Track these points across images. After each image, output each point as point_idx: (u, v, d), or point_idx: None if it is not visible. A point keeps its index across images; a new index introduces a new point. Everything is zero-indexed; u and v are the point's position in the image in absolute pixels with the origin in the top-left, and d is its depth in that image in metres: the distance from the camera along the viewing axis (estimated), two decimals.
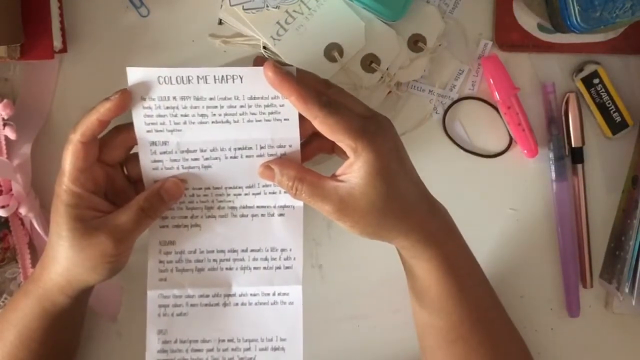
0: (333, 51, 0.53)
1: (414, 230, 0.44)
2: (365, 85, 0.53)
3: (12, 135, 0.50)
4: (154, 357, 0.46)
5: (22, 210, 0.51)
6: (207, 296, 0.46)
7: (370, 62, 0.54)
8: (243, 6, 0.53)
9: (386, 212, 0.43)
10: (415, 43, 0.55)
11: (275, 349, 0.46)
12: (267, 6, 0.53)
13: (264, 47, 0.54)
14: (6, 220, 0.52)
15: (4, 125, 0.50)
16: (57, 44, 0.52)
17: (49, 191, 0.54)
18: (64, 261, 0.44)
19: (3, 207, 0.50)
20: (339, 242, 0.57)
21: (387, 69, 0.54)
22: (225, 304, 0.46)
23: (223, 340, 0.46)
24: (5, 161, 0.51)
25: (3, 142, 0.51)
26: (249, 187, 0.46)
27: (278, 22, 0.53)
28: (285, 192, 0.45)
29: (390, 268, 0.56)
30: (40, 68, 0.53)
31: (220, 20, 0.55)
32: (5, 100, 0.50)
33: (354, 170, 0.42)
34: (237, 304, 0.47)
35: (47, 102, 0.54)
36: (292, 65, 0.44)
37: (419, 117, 0.57)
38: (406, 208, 0.44)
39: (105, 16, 0.55)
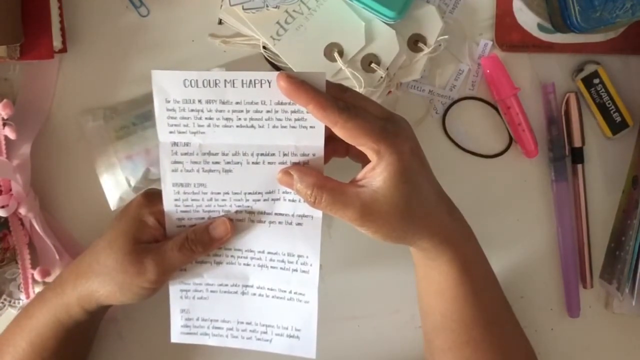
0: (333, 51, 0.53)
1: (437, 232, 0.44)
2: (365, 85, 0.53)
3: (12, 135, 0.50)
4: (177, 332, 0.48)
5: (22, 211, 0.51)
6: (226, 285, 0.48)
7: (370, 62, 0.54)
8: (243, 6, 0.53)
9: (410, 215, 0.42)
10: (415, 43, 0.54)
11: (290, 336, 0.47)
12: (267, 6, 0.53)
13: (264, 47, 0.54)
14: (6, 220, 0.52)
15: (4, 125, 0.50)
16: (57, 44, 0.52)
17: (49, 191, 0.54)
18: (100, 269, 0.45)
19: (3, 207, 0.50)
20: (339, 242, 0.57)
21: (387, 69, 0.54)
22: (243, 293, 0.48)
23: (242, 322, 0.48)
24: (5, 161, 0.51)
25: (3, 142, 0.51)
26: (269, 192, 0.45)
27: (278, 22, 0.53)
28: (304, 201, 0.44)
29: (390, 268, 0.56)
30: (40, 68, 0.53)
31: (220, 20, 0.55)
32: (5, 100, 0.50)
33: (376, 173, 0.41)
34: (254, 294, 0.48)
35: (47, 102, 0.54)
36: (323, 72, 0.42)
37: (419, 117, 0.57)
38: (428, 210, 0.43)
39: (105, 16, 0.55)
